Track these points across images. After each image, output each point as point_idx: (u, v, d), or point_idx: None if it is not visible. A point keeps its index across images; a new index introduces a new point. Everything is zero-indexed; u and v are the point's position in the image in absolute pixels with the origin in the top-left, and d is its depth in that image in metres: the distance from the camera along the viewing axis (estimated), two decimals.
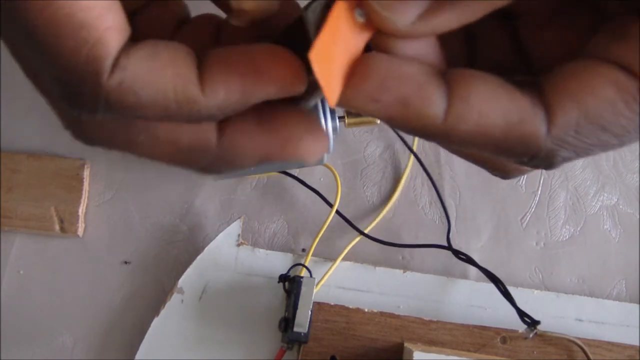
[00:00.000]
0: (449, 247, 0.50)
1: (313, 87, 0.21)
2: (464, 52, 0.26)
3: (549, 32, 0.24)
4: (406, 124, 0.20)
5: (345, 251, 0.49)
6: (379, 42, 0.21)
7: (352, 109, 0.20)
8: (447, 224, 0.51)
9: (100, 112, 0.20)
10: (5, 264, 0.49)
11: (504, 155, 0.21)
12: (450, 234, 0.51)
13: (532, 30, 0.25)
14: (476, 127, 0.20)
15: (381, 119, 0.21)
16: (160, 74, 0.20)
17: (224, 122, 0.22)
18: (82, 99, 0.20)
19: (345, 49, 0.20)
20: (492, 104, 0.20)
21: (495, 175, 0.26)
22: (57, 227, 0.49)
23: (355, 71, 0.20)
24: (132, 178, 0.51)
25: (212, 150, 0.22)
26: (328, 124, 0.43)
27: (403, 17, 0.20)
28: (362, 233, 0.50)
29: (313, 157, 0.23)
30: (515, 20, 0.25)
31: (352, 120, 0.46)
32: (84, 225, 0.50)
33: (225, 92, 0.20)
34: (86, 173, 0.50)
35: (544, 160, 0.21)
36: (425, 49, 0.21)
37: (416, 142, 0.52)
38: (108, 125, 0.22)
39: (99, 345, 0.49)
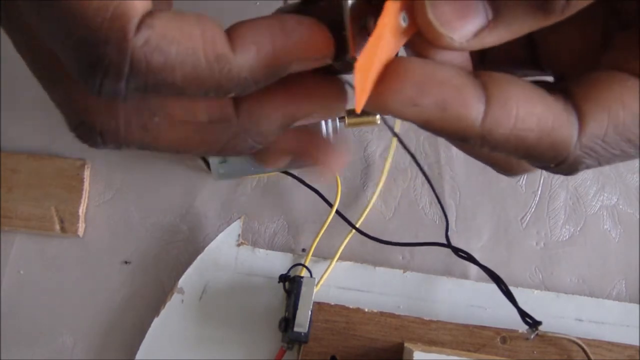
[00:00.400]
0: (448, 245, 0.50)
1: (340, 53, 0.21)
2: (476, 54, 0.26)
3: (563, 30, 0.24)
4: (444, 127, 0.20)
5: (342, 247, 0.49)
6: (419, 48, 0.21)
7: (389, 113, 0.20)
8: (445, 222, 0.51)
9: (124, 79, 0.19)
10: (5, 264, 0.49)
11: (532, 160, 0.21)
12: (450, 233, 0.50)
13: (546, 33, 0.24)
14: (512, 132, 0.20)
15: (419, 123, 0.20)
16: (188, 31, 0.19)
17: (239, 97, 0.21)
18: (106, 63, 0.18)
19: (383, 53, 0.20)
20: (529, 109, 0.20)
21: (501, 173, 0.26)
22: (57, 227, 0.49)
23: (392, 75, 0.20)
24: (132, 178, 0.51)
25: (233, 122, 0.21)
26: (328, 124, 0.43)
27: (459, 35, 0.20)
28: (355, 228, 0.50)
29: (337, 109, 0.22)
30: None
31: (353, 120, 0.45)
32: (84, 225, 0.50)
33: (257, 51, 0.20)
34: (86, 173, 0.50)
35: (569, 167, 0.21)
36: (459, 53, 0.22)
37: (414, 142, 0.52)
38: (121, 112, 0.21)
39: (99, 345, 0.49)
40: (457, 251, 0.49)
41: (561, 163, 0.21)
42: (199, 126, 0.21)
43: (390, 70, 0.20)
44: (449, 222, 0.51)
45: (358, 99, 0.19)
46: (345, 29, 0.20)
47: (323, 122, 0.43)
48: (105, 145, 0.22)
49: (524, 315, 0.47)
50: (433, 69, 0.20)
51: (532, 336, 0.47)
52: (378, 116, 0.46)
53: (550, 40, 0.25)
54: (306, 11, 0.21)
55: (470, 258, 0.49)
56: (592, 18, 0.24)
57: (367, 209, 0.50)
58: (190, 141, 0.22)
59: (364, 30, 0.21)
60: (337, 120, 0.45)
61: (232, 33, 0.20)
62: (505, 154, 0.21)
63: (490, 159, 0.25)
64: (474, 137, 0.20)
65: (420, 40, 0.21)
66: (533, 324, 0.47)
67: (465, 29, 0.20)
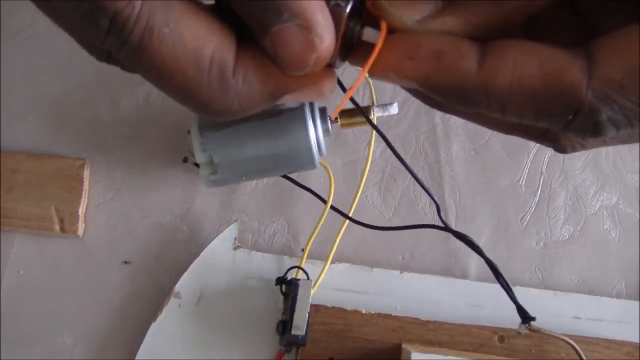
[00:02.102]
0: (445, 227, 0.49)
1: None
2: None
3: (613, 9, 0.23)
4: (442, 80, 0.20)
5: (337, 240, 0.49)
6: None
7: (388, 70, 0.21)
8: (435, 206, 0.50)
9: None
10: (5, 264, 0.49)
11: (547, 113, 0.20)
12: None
13: (594, 6, 0.24)
14: (513, 80, 0.20)
15: (418, 80, 0.21)
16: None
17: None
18: None
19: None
20: (528, 55, 0.20)
21: (555, 149, 0.25)
22: (57, 227, 0.49)
23: (389, 39, 0.21)
24: (132, 178, 0.51)
25: (228, 73, 0.21)
26: (317, 126, 0.43)
27: (409, 16, 0.21)
28: (348, 217, 0.49)
29: (327, 92, 0.23)
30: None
31: (347, 121, 0.46)
32: (84, 225, 0.50)
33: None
34: (86, 173, 0.50)
35: (588, 119, 0.20)
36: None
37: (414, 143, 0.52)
38: (138, 1, 0.20)
39: (99, 346, 0.49)
40: (457, 235, 0.49)
41: (577, 113, 0.20)
42: (200, 58, 0.21)
43: (390, 39, 0.21)
44: (449, 221, 0.51)
45: (367, 64, 0.21)
46: (337, 38, 0.21)
47: (310, 125, 0.43)
48: (106, 36, 0.21)
49: (520, 309, 0.47)
50: (427, 33, 0.21)
51: (523, 331, 0.46)
52: (371, 116, 0.46)
53: (601, 19, 0.24)
54: None
55: (468, 242, 0.48)
56: None
57: (357, 197, 0.50)
58: (184, 73, 0.21)
59: (348, 34, 0.22)
60: (329, 123, 0.45)
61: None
62: (518, 112, 0.21)
63: (529, 130, 0.25)
64: (474, 88, 0.20)
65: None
66: (525, 318, 0.46)
67: (416, 13, 0.21)
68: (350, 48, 0.23)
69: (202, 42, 0.21)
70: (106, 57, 0.22)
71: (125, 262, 0.50)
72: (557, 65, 0.20)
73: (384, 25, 0.21)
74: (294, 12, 0.20)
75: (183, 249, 0.50)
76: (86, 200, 0.50)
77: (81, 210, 0.50)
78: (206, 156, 0.42)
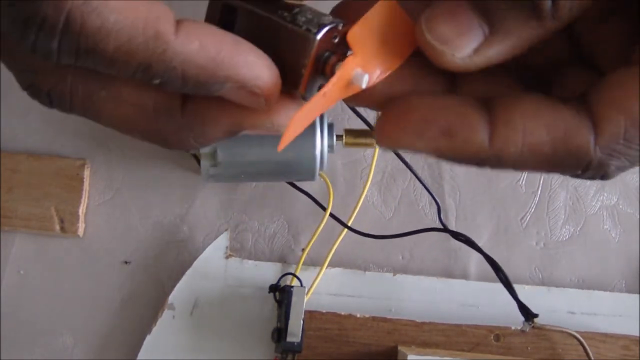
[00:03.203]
0: (445, 229, 0.49)
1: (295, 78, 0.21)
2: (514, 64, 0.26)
3: (606, 29, 0.24)
4: (455, 154, 0.21)
5: (332, 250, 0.49)
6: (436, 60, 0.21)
7: (401, 148, 0.21)
8: (437, 206, 0.50)
9: (57, 36, 0.18)
10: (5, 264, 0.49)
11: (559, 170, 0.21)
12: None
13: (589, 27, 0.24)
14: (524, 147, 0.20)
15: (431, 154, 0.21)
16: (134, 4, 0.18)
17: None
18: (41, 16, 0.18)
19: (319, 105, 0.21)
20: (536, 121, 0.20)
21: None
22: (57, 227, 0.49)
23: (398, 113, 0.21)
24: (132, 178, 0.51)
25: (177, 117, 0.21)
26: (324, 141, 0.44)
27: (461, 52, 0.21)
28: (347, 227, 0.49)
29: (285, 122, 0.22)
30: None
31: (351, 140, 0.46)
32: (84, 225, 0.50)
33: (199, 47, 0.19)
34: (86, 173, 0.50)
35: (597, 170, 0.21)
36: None
37: None
38: (70, 77, 0.20)
39: (99, 345, 0.49)
40: (455, 235, 0.49)
41: (587, 168, 0.21)
42: (144, 111, 0.21)
43: (396, 109, 0.21)
44: (449, 221, 0.51)
45: (283, 140, 0.20)
46: (304, 67, 0.21)
47: (318, 139, 0.44)
48: (52, 106, 0.22)
49: (522, 307, 0.47)
50: (435, 99, 0.21)
51: (527, 329, 0.46)
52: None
53: (595, 39, 0.24)
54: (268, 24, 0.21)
55: (469, 242, 0.49)
56: (634, 16, 0.23)
57: (359, 204, 0.50)
58: (133, 124, 0.21)
59: (320, 65, 0.21)
60: (334, 139, 0.45)
61: (182, 23, 0.19)
62: (532, 170, 0.21)
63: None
64: (488, 158, 0.21)
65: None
66: (529, 316, 0.47)
67: (466, 45, 0.20)
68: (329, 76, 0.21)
69: (142, 96, 0.21)
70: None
71: (125, 262, 0.50)
72: (564, 128, 0.20)
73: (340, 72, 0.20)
74: (221, 81, 0.20)
75: (183, 249, 0.50)
76: (86, 200, 0.50)
77: (81, 210, 0.50)
78: (211, 147, 0.43)
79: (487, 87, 0.23)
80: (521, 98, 0.21)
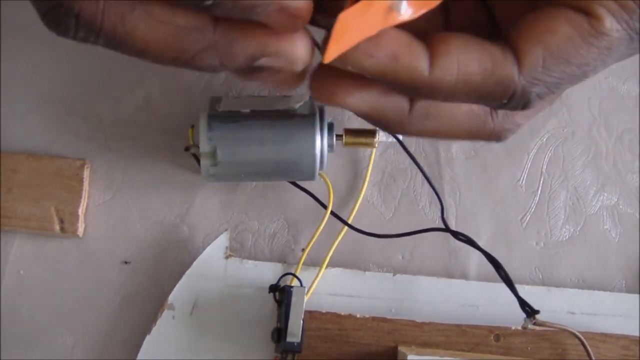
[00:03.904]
0: (447, 229, 0.49)
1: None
2: (441, 21, 0.30)
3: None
4: (397, 77, 0.23)
5: (332, 249, 0.49)
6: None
7: (349, 64, 0.23)
8: (440, 205, 0.50)
9: None
10: (5, 264, 0.49)
11: (486, 100, 0.25)
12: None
13: None
14: (458, 77, 0.23)
15: (375, 74, 0.23)
16: None
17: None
18: None
19: (367, 23, 0.22)
20: (469, 54, 0.23)
21: (486, 140, 0.29)
22: (57, 227, 0.49)
23: (352, 34, 0.23)
24: (132, 178, 0.51)
25: (208, 33, 0.22)
26: (324, 140, 0.44)
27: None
28: (347, 225, 0.49)
29: (301, 62, 0.24)
30: None
31: (351, 140, 0.46)
32: (84, 225, 0.50)
33: None
34: (86, 173, 0.50)
35: (521, 98, 0.24)
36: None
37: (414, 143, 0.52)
38: None
39: (99, 346, 0.49)
40: (456, 235, 0.49)
41: (512, 97, 0.24)
42: (174, 29, 0.22)
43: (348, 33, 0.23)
44: (449, 221, 0.51)
45: (328, 48, 0.22)
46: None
47: (318, 139, 0.44)
48: (77, 32, 0.22)
49: (523, 303, 0.46)
50: (387, 30, 0.23)
51: (529, 325, 0.46)
52: (376, 139, 0.47)
53: (502, 4, 0.28)
54: None
55: (469, 241, 0.49)
56: None
57: (359, 201, 0.50)
58: (162, 43, 0.22)
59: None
60: (334, 138, 0.45)
61: None
62: (461, 100, 0.25)
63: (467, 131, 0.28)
64: (425, 85, 0.23)
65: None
66: (531, 312, 0.46)
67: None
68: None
69: (175, 14, 0.22)
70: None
71: (125, 262, 0.50)
72: (492, 60, 0.24)
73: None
74: (268, 3, 0.21)
75: (183, 249, 0.50)
76: (86, 200, 0.50)
77: (81, 210, 0.50)
78: (211, 146, 0.43)
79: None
80: (455, 35, 0.24)
